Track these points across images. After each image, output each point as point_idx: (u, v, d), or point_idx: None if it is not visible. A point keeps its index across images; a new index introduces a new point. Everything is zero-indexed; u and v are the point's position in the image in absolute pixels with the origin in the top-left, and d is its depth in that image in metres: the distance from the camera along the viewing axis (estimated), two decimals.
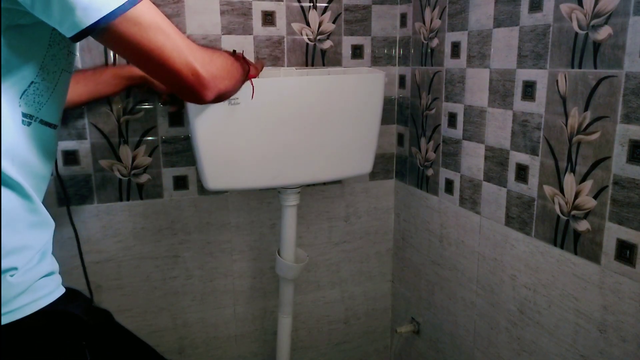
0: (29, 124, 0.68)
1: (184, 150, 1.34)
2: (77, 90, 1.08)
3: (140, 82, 1.15)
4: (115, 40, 0.62)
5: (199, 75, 0.68)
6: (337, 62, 1.42)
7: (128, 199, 1.32)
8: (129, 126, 1.28)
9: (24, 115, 0.67)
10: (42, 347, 0.67)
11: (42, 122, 0.70)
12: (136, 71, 1.13)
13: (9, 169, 0.64)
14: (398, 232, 1.58)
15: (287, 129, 1.12)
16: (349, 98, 1.16)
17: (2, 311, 0.62)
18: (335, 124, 1.16)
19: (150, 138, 1.30)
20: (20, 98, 0.66)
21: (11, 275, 0.63)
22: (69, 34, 0.60)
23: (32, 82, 0.66)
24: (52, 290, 0.69)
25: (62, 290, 0.71)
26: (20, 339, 0.65)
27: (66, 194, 1.01)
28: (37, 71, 0.66)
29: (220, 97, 0.77)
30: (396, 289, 1.63)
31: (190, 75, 0.68)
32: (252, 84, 1.02)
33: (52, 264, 0.70)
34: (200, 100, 0.72)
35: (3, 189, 0.64)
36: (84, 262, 1.08)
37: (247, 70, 0.94)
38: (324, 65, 1.41)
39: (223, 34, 1.31)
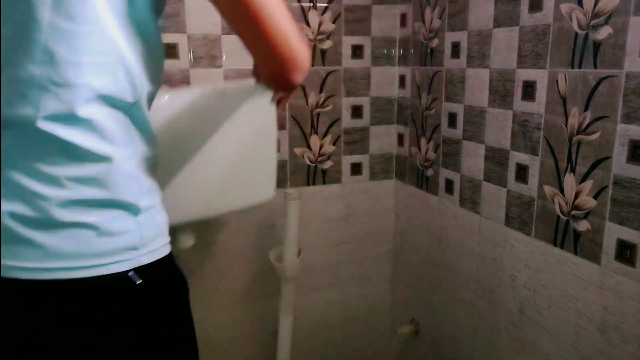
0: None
1: None
2: None
3: None
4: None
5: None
6: (337, 62, 1.42)
7: None
8: None
9: None
10: (173, 292, 0.70)
11: None
12: None
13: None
14: (397, 232, 1.58)
15: (168, 158, 0.87)
16: (231, 117, 0.95)
17: (149, 249, 0.65)
18: (220, 150, 0.96)
19: None
20: None
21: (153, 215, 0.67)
22: None
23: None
24: (168, 242, 0.72)
25: (170, 246, 0.74)
26: (158, 279, 0.67)
27: None
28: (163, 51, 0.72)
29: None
30: (396, 290, 1.62)
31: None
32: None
33: (165, 220, 0.73)
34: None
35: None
36: None
37: None
38: (323, 64, 1.41)
39: (223, 34, 1.30)
